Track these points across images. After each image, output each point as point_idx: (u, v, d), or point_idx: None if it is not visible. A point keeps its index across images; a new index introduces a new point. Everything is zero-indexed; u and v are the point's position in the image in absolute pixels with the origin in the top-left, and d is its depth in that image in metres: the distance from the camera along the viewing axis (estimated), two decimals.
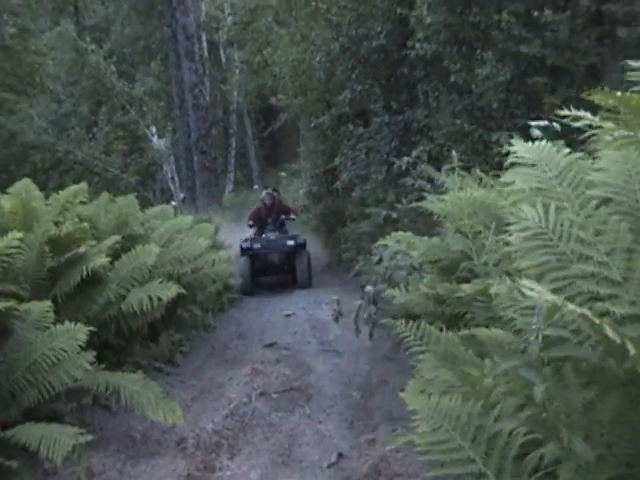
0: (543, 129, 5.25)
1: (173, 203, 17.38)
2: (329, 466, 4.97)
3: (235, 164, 31.69)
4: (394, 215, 8.92)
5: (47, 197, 7.38)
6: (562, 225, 2.33)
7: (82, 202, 7.31)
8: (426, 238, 5.77)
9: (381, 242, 6.48)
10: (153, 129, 21.17)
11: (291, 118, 19.33)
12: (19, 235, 5.36)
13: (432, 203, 5.41)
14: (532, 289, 1.79)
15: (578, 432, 2.01)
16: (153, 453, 5.34)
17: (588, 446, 1.98)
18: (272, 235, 14.66)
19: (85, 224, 6.50)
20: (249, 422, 5.97)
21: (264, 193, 15.57)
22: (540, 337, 2.11)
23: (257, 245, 14.30)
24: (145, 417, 5.27)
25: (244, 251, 14.15)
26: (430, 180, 7.62)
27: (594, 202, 2.43)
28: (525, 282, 1.83)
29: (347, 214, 14.59)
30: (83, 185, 7.39)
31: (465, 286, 3.99)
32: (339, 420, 5.98)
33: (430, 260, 5.52)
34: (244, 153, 33.82)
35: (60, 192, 7.35)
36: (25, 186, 7.03)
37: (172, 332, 7.83)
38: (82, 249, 6.12)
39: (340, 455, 5.14)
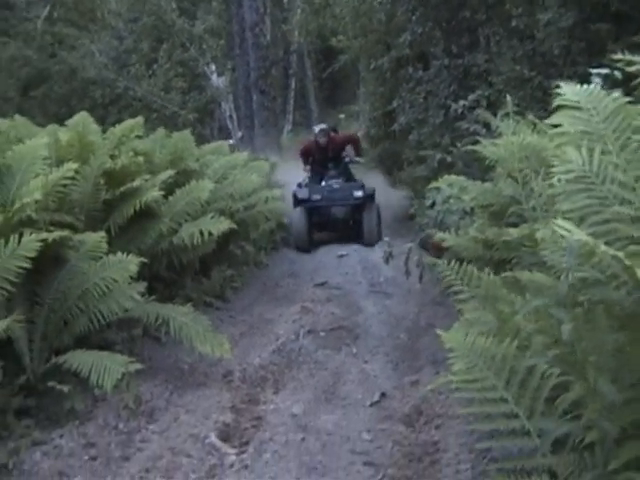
0: (604, 77, 5.14)
1: (231, 141, 17.46)
2: (371, 405, 5.02)
3: (294, 105, 31.56)
4: (448, 159, 8.82)
5: (105, 132, 7.47)
6: (606, 169, 2.28)
7: (138, 136, 7.37)
8: (479, 182, 5.72)
9: (433, 185, 6.44)
10: (212, 67, 21.17)
11: (351, 60, 19.13)
12: (74, 166, 5.42)
13: (485, 147, 5.35)
14: (566, 229, 1.76)
15: (606, 374, 2.00)
16: (200, 384, 5.45)
17: (615, 387, 1.97)
18: (335, 183, 12.06)
19: (140, 158, 6.56)
20: (295, 358, 6.04)
21: (317, 130, 12.83)
22: (570, 276, 2.09)
23: (317, 196, 11.74)
24: (193, 350, 5.39)
25: (299, 202, 11.73)
26: (486, 125, 7.51)
27: (635, 146, 2.37)
28: (559, 222, 1.80)
29: (404, 157, 14.42)
30: (139, 119, 7.42)
31: (512, 230, 3.96)
32: (384, 361, 6.02)
33: (481, 204, 5.48)
34: (303, 94, 33.66)
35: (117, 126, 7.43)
36: (83, 119, 7.11)
37: (224, 268, 7.91)
38: (136, 183, 6.20)
39: (383, 395, 5.19)
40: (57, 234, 4.83)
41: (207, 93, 20.88)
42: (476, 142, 6.02)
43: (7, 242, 4.47)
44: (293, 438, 4.40)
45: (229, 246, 8.14)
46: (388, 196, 14.17)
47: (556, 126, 2.59)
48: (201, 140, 12.17)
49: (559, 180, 2.34)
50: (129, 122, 7.23)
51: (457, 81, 10.97)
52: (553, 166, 2.36)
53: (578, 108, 2.54)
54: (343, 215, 11.87)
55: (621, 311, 2.08)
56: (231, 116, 21.15)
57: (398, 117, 13.14)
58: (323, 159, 12.51)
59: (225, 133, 21.01)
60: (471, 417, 3.42)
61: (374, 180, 14.62)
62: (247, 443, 4.44)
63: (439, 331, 2.80)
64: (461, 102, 8.88)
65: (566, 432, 2.15)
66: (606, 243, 2.01)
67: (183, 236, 6.31)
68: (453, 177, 6.06)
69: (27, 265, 4.42)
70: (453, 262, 3.50)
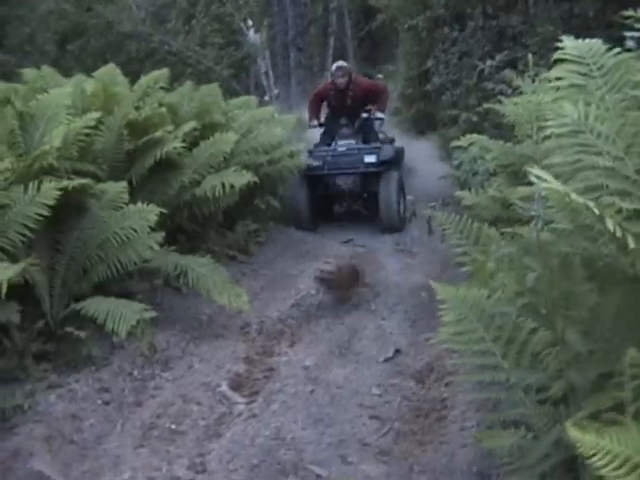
0: (637, 40, 5.03)
1: (266, 98, 17.39)
2: (385, 360, 5.04)
3: (332, 63, 31.22)
4: (474, 119, 8.73)
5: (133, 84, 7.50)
6: (602, 124, 2.23)
7: (163, 88, 7.40)
8: (500, 142, 5.66)
9: (455, 144, 6.39)
10: (249, 23, 21.03)
11: (389, 19, 18.91)
12: (96, 115, 5.47)
13: (506, 106, 5.30)
14: (539, 177, 1.74)
15: (578, 325, 1.98)
16: (217, 336, 5.52)
17: (587, 339, 1.96)
18: (343, 144, 9.44)
19: (163, 109, 6.59)
20: (314, 313, 6.07)
21: (334, 67, 9.90)
22: (540, 224, 2.07)
23: (316, 162, 9.09)
24: (214, 302, 5.43)
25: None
26: (512, 85, 7.43)
27: (618, 96, 2.33)
28: (534, 170, 1.78)
29: (438, 118, 14.29)
30: (164, 71, 7.47)
31: (523, 188, 3.92)
32: (402, 318, 6.01)
33: (502, 164, 5.44)
34: (342, 53, 33.34)
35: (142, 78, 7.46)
36: (109, 71, 7.14)
37: (248, 222, 7.89)
38: (158, 134, 6.23)
39: (397, 351, 5.20)
40: (77, 182, 4.89)
41: (243, 49, 20.76)
42: (500, 102, 5.96)
43: (27, 189, 4.55)
44: (303, 390, 4.44)
45: (254, 200, 8.13)
46: (421, 155, 13.85)
47: (555, 79, 2.55)
48: (236, 96, 12.07)
49: (553, 134, 2.30)
50: (154, 73, 7.27)
51: (492, 42, 10.82)
52: (548, 120, 2.32)
53: (578, 62, 2.50)
54: (351, 187, 9.33)
55: (597, 263, 2.05)
56: (267, 73, 21.03)
57: (432, 77, 13.03)
58: (340, 108, 9.84)
59: (260, 90, 20.90)
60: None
61: (407, 139, 14.41)
62: (257, 393, 4.50)
63: (432, 283, 2.80)
64: (489, 62, 8.77)
65: (533, 382, 2.15)
66: (597, 197, 2.00)
67: (205, 188, 6.32)
68: (475, 136, 6.00)
69: (46, 212, 4.49)
70: (453, 215, 3.49)
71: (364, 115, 9.82)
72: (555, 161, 2.20)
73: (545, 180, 1.71)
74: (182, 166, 6.53)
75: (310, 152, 9.38)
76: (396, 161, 9.50)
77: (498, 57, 8.82)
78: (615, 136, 2.17)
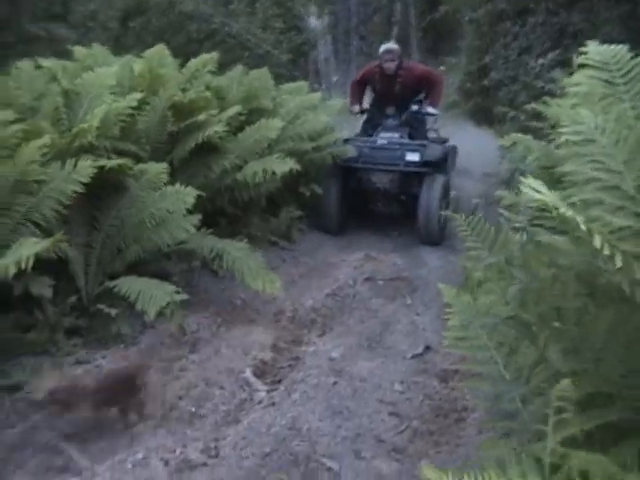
0: None
1: (324, 84, 17.36)
2: (412, 357, 4.98)
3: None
4: (522, 117, 8.56)
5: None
6: (620, 133, 2.15)
7: (211, 72, 7.40)
8: (543, 143, 5.51)
9: (500, 142, 6.27)
10: (311, 9, 20.99)
11: (452, 11, 18.74)
12: (138, 96, 5.50)
13: (549, 107, 5.16)
14: (532, 187, 1.69)
15: (565, 343, 1.90)
16: (249, 321, 5.52)
17: (575, 358, 1.88)
18: (385, 137, 8.32)
19: (207, 93, 6.60)
20: (348, 304, 6.02)
21: (382, 49, 8.69)
22: (525, 235, 2.01)
23: (352, 153, 8.03)
24: (249, 286, 5.42)
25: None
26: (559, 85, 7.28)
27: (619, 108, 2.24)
28: (529, 180, 1.72)
29: (494, 114, 14.10)
30: (214, 55, 7.47)
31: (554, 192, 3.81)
32: (437, 314, 5.92)
33: (544, 166, 5.29)
34: (405, 43, 33.07)
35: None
36: (158, 52, 7.18)
37: (292, 209, 7.85)
38: (201, 117, 6.24)
39: (427, 348, 5.13)
40: (115, 162, 4.93)
41: (303, 35, 20.68)
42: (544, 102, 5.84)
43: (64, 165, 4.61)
44: (325, 381, 4.41)
45: (299, 187, 8.07)
46: (474, 150, 13.47)
47: (574, 85, 2.47)
48: (292, 81, 11.99)
49: (567, 141, 2.22)
50: (203, 57, 7.28)
51: (552, 39, 10.61)
52: (563, 126, 2.23)
53: (601, 68, 2.42)
54: (387, 186, 8.16)
55: (597, 280, 1.97)
56: (326, 59, 21.00)
57: (490, 72, 12.86)
58: (386, 95, 8.68)
59: (320, 76, 20.86)
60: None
61: (462, 132, 14.21)
62: (279, 382, 4.50)
63: (440, 285, 2.75)
64: (540, 60, 8.60)
65: (527, 394, 2.07)
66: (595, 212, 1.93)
67: (246, 174, 6.32)
68: (519, 135, 5.85)
69: (80, 189, 4.53)
70: (471, 217, 3.40)
71: (414, 107, 8.61)
72: (566, 169, 2.13)
73: (537, 190, 1.65)
74: (225, 150, 6.53)
75: (346, 140, 8.36)
76: (444, 163, 8.30)
77: (550, 55, 8.64)
78: (616, 148, 2.08)
